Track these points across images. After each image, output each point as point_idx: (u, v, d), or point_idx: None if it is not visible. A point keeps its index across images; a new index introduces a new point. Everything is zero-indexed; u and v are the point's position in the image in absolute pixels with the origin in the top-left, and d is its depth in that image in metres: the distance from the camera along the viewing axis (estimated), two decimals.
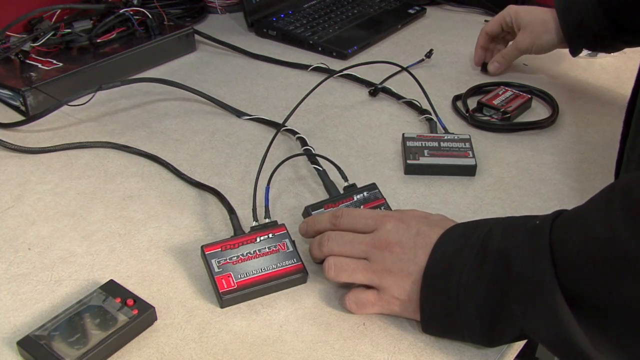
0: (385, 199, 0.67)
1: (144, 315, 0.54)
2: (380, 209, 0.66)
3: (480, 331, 0.51)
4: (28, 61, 0.92)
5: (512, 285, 0.48)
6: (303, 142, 0.79)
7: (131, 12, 1.00)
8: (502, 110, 0.86)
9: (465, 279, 0.50)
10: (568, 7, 0.88)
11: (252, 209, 0.66)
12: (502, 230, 0.51)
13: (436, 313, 0.52)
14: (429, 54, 1.05)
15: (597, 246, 0.44)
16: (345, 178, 0.70)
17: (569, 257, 0.46)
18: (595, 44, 0.89)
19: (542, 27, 0.92)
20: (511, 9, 0.96)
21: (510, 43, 0.98)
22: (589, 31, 0.87)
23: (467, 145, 0.77)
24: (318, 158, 0.74)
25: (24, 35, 0.94)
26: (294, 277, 0.59)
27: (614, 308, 0.44)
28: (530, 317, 0.47)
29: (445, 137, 0.79)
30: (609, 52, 0.93)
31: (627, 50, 0.94)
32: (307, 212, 0.65)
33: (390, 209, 0.66)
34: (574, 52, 0.92)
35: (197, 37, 1.08)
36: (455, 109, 0.90)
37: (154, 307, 0.55)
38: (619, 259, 0.43)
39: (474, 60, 1.02)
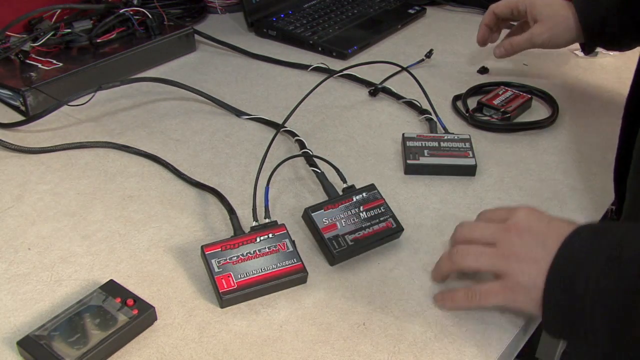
0: (384, 199, 0.67)
1: (144, 315, 0.54)
2: (380, 209, 0.66)
3: (610, 338, 0.48)
4: (28, 61, 0.92)
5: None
6: (302, 144, 0.79)
7: (131, 12, 1.00)
8: (502, 110, 0.86)
9: (594, 285, 0.48)
10: (589, 4, 0.84)
11: (252, 209, 0.66)
12: (637, 237, 0.49)
13: (560, 313, 0.50)
14: (429, 54, 1.05)
15: None
16: (343, 179, 0.70)
17: None
18: (613, 43, 0.86)
19: (563, 24, 0.86)
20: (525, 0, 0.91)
21: (525, 33, 0.90)
22: (609, 30, 0.83)
23: (467, 145, 0.77)
24: (317, 160, 0.74)
25: (24, 35, 0.94)
26: (294, 277, 0.59)
27: None
28: None
29: (445, 137, 0.79)
30: (623, 51, 0.89)
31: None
32: (307, 213, 0.65)
33: (390, 210, 0.66)
34: (588, 50, 0.89)
35: (197, 37, 1.08)
36: (455, 109, 0.90)
37: (154, 307, 0.55)
38: None
39: (477, 37, 0.97)
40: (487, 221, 0.59)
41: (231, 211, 0.67)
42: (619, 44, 0.86)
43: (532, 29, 0.89)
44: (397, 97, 0.92)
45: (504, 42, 0.93)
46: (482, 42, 0.98)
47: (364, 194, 0.67)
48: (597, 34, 0.85)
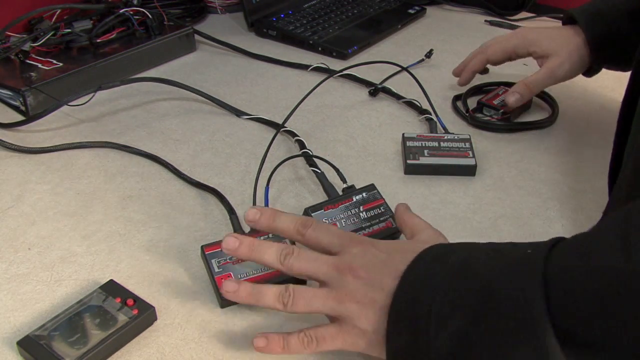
0: (384, 199, 0.67)
1: (144, 315, 0.54)
2: (380, 209, 0.66)
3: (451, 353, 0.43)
4: (28, 61, 0.92)
5: (495, 320, 0.40)
6: (302, 144, 0.79)
7: (131, 12, 1.00)
8: (502, 110, 0.86)
9: (438, 308, 0.43)
10: (596, 19, 0.79)
11: None
12: (485, 256, 0.44)
13: (402, 346, 0.45)
14: (429, 54, 1.05)
15: (612, 278, 0.37)
16: (343, 180, 0.70)
17: (569, 289, 0.38)
18: (619, 60, 0.80)
19: (577, 52, 0.80)
20: (526, 37, 0.83)
21: (542, 70, 0.82)
22: (619, 45, 0.77)
23: (467, 145, 0.78)
24: (317, 160, 0.74)
25: (24, 35, 0.94)
26: (293, 277, 0.59)
27: (620, 348, 0.37)
28: (515, 357, 0.40)
29: (445, 137, 0.79)
30: (626, 70, 0.77)
31: None
32: (307, 213, 0.65)
33: (390, 209, 0.66)
34: (594, 71, 0.83)
35: (197, 37, 1.08)
36: (455, 109, 0.90)
37: (154, 307, 0.55)
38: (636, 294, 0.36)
39: (460, 81, 0.90)
40: (317, 242, 0.53)
41: (231, 211, 0.67)
42: (626, 61, 0.79)
43: (549, 63, 0.81)
44: (397, 97, 0.92)
45: (519, 87, 0.83)
46: (463, 85, 0.91)
47: (364, 194, 0.67)
48: (605, 49, 0.79)
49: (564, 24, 0.84)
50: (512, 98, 0.83)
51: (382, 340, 0.46)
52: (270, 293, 0.50)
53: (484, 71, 1.01)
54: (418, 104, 0.89)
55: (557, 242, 0.42)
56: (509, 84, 0.94)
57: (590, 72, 0.83)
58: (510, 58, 0.86)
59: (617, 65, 0.82)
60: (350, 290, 0.48)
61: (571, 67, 0.80)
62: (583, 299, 0.38)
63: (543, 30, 0.83)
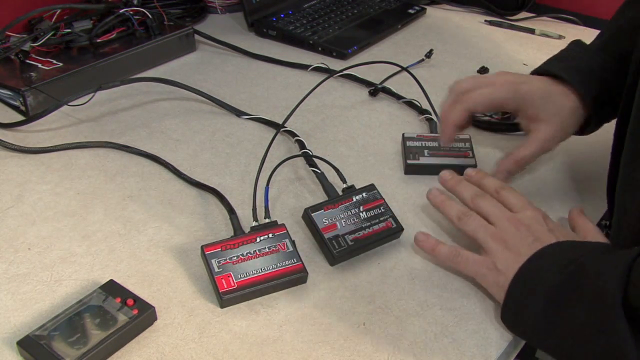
0: (384, 199, 0.67)
1: (144, 315, 0.54)
2: (380, 209, 0.66)
3: (545, 330, 0.53)
4: (28, 61, 0.92)
5: (579, 290, 0.51)
6: (302, 144, 0.79)
7: (131, 12, 1.00)
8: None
9: (552, 280, 0.53)
10: (586, 76, 0.70)
11: (252, 209, 0.66)
12: (596, 255, 0.53)
13: (514, 308, 0.55)
14: (429, 54, 1.05)
15: None
16: (343, 180, 0.70)
17: None
18: (615, 113, 0.67)
19: (571, 116, 0.70)
20: (518, 92, 0.70)
21: (531, 143, 0.70)
22: (610, 99, 0.69)
23: (467, 145, 0.77)
24: (317, 160, 0.74)
25: (24, 35, 0.94)
26: (294, 277, 0.59)
27: None
28: (587, 327, 0.49)
29: None
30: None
31: None
32: (307, 213, 0.65)
33: (390, 210, 0.66)
34: (589, 130, 0.73)
35: (197, 37, 1.08)
36: None
37: (154, 307, 0.55)
38: None
39: (442, 138, 0.73)
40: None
41: (231, 211, 0.67)
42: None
43: (538, 133, 0.70)
44: (397, 97, 0.92)
45: (506, 164, 0.71)
46: (449, 142, 0.74)
47: (364, 194, 0.67)
48: (599, 109, 0.70)
49: (541, 74, 0.73)
50: (500, 177, 0.71)
51: (506, 287, 0.56)
52: (454, 209, 0.64)
53: (484, 71, 1.01)
54: (418, 104, 0.89)
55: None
56: None
57: (586, 131, 0.73)
58: (495, 109, 0.76)
59: (614, 117, 0.70)
60: (507, 235, 0.59)
61: (563, 137, 0.71)
62: None
63: (536, 86, 0.70)
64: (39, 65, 0.91)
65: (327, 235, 0.63)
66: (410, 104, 0.91)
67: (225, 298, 0.56)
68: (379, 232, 0.64)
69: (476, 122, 0.86)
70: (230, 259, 0.59)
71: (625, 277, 0.48)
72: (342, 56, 1.06)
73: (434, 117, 0.85)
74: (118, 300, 0.55)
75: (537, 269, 0.55)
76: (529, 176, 0.76)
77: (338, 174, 0.70)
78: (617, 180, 0.60)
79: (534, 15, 1.24)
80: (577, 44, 0.77)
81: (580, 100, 0.69)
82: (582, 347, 0.50)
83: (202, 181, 0.73)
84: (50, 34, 0.94)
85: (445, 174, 0.68)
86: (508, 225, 0.60)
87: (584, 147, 0.82)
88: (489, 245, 0.59)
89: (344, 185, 0.69)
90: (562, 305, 0.52)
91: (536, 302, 0.53)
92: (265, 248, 0.60)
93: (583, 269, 0.52)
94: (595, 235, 0.62)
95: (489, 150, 0.81)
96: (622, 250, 0.52)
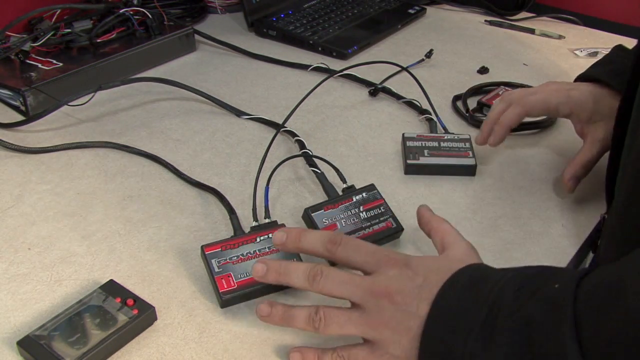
0: (384, 199, 0.67)
1: (144, 315, 0.54)
2: (380, 209, 0.66)
3: None
4: (28, 61, 0.92)
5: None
6: (302, 144, 0.79)
7: (131, 12, 1.00)
8: None
9: (472, 346, 0.43)
10: (612, 68, 0.72)
11: (252, 209, 0.66)
12: (516, 291, 0.44)
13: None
14: (429, 54, 1.05)
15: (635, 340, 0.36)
16: (343, 180, 0.70)
17: (599, 337, 0.38)
18: None
19: (613, 112, 0.68)
20: (570, 96, 0.72)
21: (592, 145, 0.72)
22: None
23: (467, 145, 0.78)
24: (317, 160, 0.74)
25: (24, 35, 0.94)
26: None
27: None
28: None
29: (445, 137, 0.79)
30: None
31: None
32: (307, 214, 0.65)
33: (390, 210, 0.66)
34: None
35: (197, 37, 1.08)
36: (455, 109, 0.90)
37: (154, 307, 0.55)
38: None
39: (491, 140, 0.75)
40: (349, 261, 0.51)
41: (231, 211, 0.67)
42: None
43: (597, 134, 0.71)
44: (397, 97, 0.92)
45: (573, 170, 0.72)
46: (484, 144, 0.77)
47: (364, 194, 0.67)
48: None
49: (585, 80, 0.75)
50: (570, 184, 0.72)
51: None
52: (301, 316, 0.50)
53: (484, 71, 1.01)
54: (418, 104, 0.89)
55: (583, 274, 0.42)
56: (509, 84, 0.94)
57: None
58: (548, 115, 0.77)
59: None
60: (385, 316, 0.47)
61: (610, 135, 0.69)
62: (615, 349, 0.37)
63: (583, 89, 0.73)
64: (39, 65, 0.91)
65: None
66: (410, 104, 0.91)
67: (225, 298, 0.56)
68: (378, 232, 0.64)
69: (476, 122, 0.86)
70: (230, 259, 0.59)
71: (575, 339, 0.39)
72: (342, 56, 1.06)
73: (434, 117, 0.85)
74: (118, 300, 0.55)
75: (445, 330, 0.45)
76: (530, 176, 0.76)
77: (338, 174, 0.71)
78: (616, 174, 0.60)
79: (534, 15, 1.24)
80: (618, 48, 0.78)
81: (615, 89, 0.70)
82: None
83: (202, 181, 0.73)
84: (50, 34, 0.94)
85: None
86: (376, 302, 0.48)
87: (580, 144, 0.82)
88: (369, 335, 0.48)
89: (344, 185, 0.69)
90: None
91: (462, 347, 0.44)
92: (265, 248, 0.60)
93: (525, 335, 0.41)
94: (458, 245, 0.53)
95: (489, 150, 0.81)
96: (540, 280, 0.44)
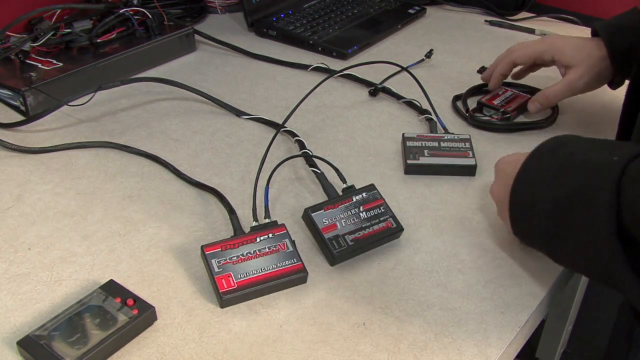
0: (384, 199, 0.67)
1: (144, 315, 0.54)
2: (380, 209, 0.66)
3: (545, 243, 0.56)
4: (28, 61, 0.92)
5: (573, 213, 0.51)
6: (302, 144, 0.79)
7: (131, 12, 1.00)
8: (502, 110, 0.87)
9: (543, 192, 0.54)
10: (616, 33, 0.80)
11: (252, 209, 0.66)
12: (585, 154, 0.54)
13: (519, 223, 0.59)
14: (429, 54, 1.05)
15: None
16: (343, 180, 0.70)
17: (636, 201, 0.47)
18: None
19: (598, 65, 0.81)
20: (554, 44, 0.84)
21: (561, 82, 0.84)
22: (637, 58, 0.74)
23: (467, 145, 0.77)
24: (317, 160, 0.74)
25: (24, 35, 0.94)
26: (294, 277, 0.59)
27: None
28: (581, 254, 0.51)
29: (445, 137, 0.79)
30: None
31: None
32: (307, 214, 0.65)
33: (390, 210, 0.66)
34: (616, 84, 0.84)
35: (197, 37, 1.08)
36: (455, 109, 0.90)
37: (154, 307, 0.55)
38: None
39: (491, 84, 0.91)
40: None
41: (231, 211, 0.67)
42: None
43: (568, 75, 0.83)
44: (397, 97, 0.92)
45: (538, 96, 0.86)
46: (494, 89, 0.92)
47: (364, 194, 0.67)
48: (626, 62, 0.79)
49: (592, 35, 0.84)
50: (532, 106, 0.86)
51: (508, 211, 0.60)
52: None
53: (484, 71, 1.01)
54: (418, 104, 0.89)
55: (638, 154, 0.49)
56: (509, 84, 0.94)
57: (613, 84, 0.84)
58: (535, 62, 0.87)
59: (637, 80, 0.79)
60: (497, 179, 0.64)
61: (590, 79, 0.82)
62: None
63: (570, 40, 0.84)
64: (39, 65, 0.91)
65: (327, 235, 0.63)
66: (410, 104, 0.91)
67: (225, 298, 0.56)
68: (379, 232, 0.64)
69: (476, 122, 0.86)
70: (230, 259, 0.59)
71: (616, 203, 0.48)
72: (342, 56, 1.06)
73: (433, 117, 0.85)
74: (118, 300, 0.55)
75: (529, 185, 0.57)
76: None
77: (338, 174, 0.70)
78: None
79: (534, 15, 1.24)
80: (634, 9, 0.83)
81: (609, 53, 0.80)
82: (584, 267, 0.53)
83: (202, 181, 0.73)
84: (50, 34, 0.94)
85: None
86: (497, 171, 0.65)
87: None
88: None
89: (344, 185, 0.69)
90: (559, 226, 0.53)
91: (538, 216, 0.55)
92: (265, 248, 0.60)
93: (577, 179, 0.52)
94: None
95: (489, 150, 0.81)
96: (603, 149, 0.54)
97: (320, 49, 1.08)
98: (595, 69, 0.81)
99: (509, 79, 0.97)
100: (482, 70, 1.01)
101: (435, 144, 0.78)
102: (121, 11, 0.99)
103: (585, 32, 1.18)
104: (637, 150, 0.50)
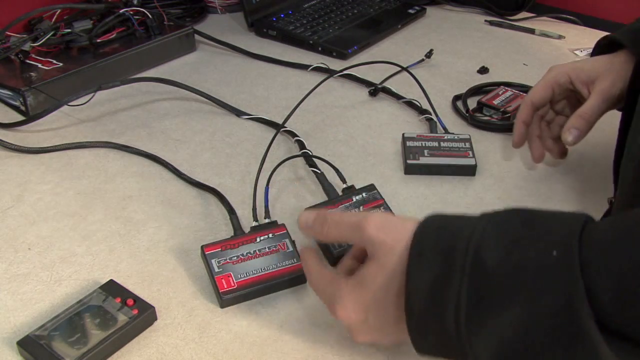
0: (384, 199, 0.67)
1: (144, 315, 0.54)
2: (380, 209, 0.66)
3: None
4: (28, 61, 0.92)
5: (542, 333, 0.38)
6: (302, 144, 0.79)
7: (131, 12, 1.00)
8: (502, 110, 0.87)
9: (465, 317, 0.40)
10: (637, 36, 0.68)
11: (252, 209, 0.66)
12: (501, 247, 0.40)
13: (435, 350, 0.44)
14: (429, 54, 1.05)
15: None
16: (343, 180, 0.70)
17: (616, 300, 0.36)
18: None
19: (623, 70, 0.68)
20: (563, 66, 0.72)
21: (592, 97, 0.69)
22: None
23: (467, 145, 0.78)
24: (317, 160, 0.74)
25: (24, 35, 0.94)
26: (294, 277, 0.59)
27: None
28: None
29: (445, 137, 0.79)
30: None
31: None
32: None
33: (390, 210, 0.66)
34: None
35: (197, 37, 1.08)
36: (455, 109, 0.90)
37: (154, 307, 0.55)
38: None
39: (514, 141, 0.74)
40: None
41: (231, 211, 0.67)
42: None
43: (597, 85, 0.69)
44: (397, 97, 0.92)
45: (572, 121, 0.69)
46: (521, 143, 0.75)
47: (364, 194, 0.67)
48: None
49: (596, 54, 0.75)
50: (570, 137, 0.68)
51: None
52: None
53: (484, 71, 1.01)
54: (418, 104, 0.89)
55: (581, 229, 0.38)
56: (509, 84, 0.94)
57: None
58: (554, 93, 0.73)
59: None
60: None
61: (622, 86, 0.67)
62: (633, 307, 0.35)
63: (582, 59, 0.74)
64: (39, 65, 0.91)
65: None
66: (410, 104, 0.90)
67: (225, 298, 0.56)
68: None
69: (476, 122, 0.86)
70: (230, 259, 0.59)
71: (589, 305, 0.36)
72: (342, 56, 1.06)
73: (433, 117, 0.85)
74: (118, 300, 0.55)
75: (430, 309, 0.42)
76: (530, 176, 0.76)
77: (338, 174, 0.70)
78: (622, 154, 0.60)
79: (534, 15, 1.24)
80: None
81: (632, 56, 0.68)
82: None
83: (202, 181, 0.73)
84: (50, 34, 0.94)
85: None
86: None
87: (585, 140, 0.82)
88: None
89: (344, 186, 0.69)
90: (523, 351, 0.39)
91: (464, 349, 0.41)
92: (265, 248, 0.60)
93: (527, 300, 0.38)
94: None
95: (489, 150, 0.81)
96: (528, 237, 0.40)
97: (320, 49, 1.08)
98: (622, 75, 0.68)
99: (509, 79, 0.97)
100: (482, 70, 1.01)
101: (435, 144, 0.78)
102: (121, 11, 0.99)
103: (585, 32, 1.18)
104: (573, 226, 0.39)
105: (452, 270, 0.41)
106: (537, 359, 0.38)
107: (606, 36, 0.73)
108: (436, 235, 0.43)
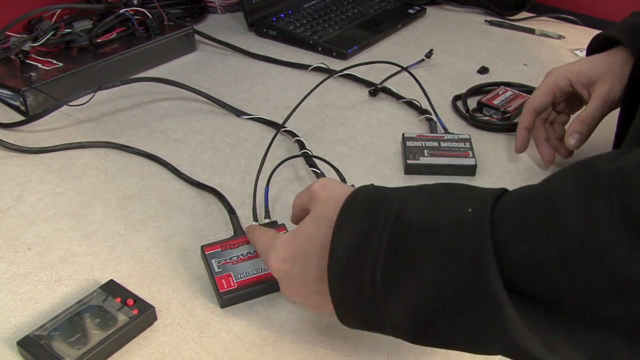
0: None
1: (144, 315, 0.54)
2: None
3: (410, 332, 0.42)
4: (28, 61, 0.92)
5: (450, 291, 0.37)
6: (302, 144, 0.79)
7: (131, 12, 1.00)
8: (502, 110, 0.87)
9: (381, 275, 0.40)
10: (634, 34, 0.70)
11: (252, 209, 0.66)
12: (423, 208, 0.40)
13: (353, 311, 0.44)
14: (429, 54, 1.05)
15: (573, 255, 0.34)
16: (343, 180, 0.70)
17: (523, 260, 0.35)
18: None
19: (623, 71, 0.69)
20: (561, 68, 0.74)
21: (592, 100, 0.71)
22: None
23: (467, 145, 0.78)
24: (317, 160, 0.74)
25: (24, 35, 0.94)
26: None
27: (578, 309, 0.35)
28: (477, 328, 0.37)
29: (445, 137, 0.79)
30: None
31: None
32: None
33: None
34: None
35: (197, 37, 1.08)
36: (455, 109, 0.90)
37: (154, 307, 0.55)
38: (607, 276, 0.33)
39: (517, 146, 0.76)
40: None
41: (231, 211, 0.67)
42: None
43: (598, 89, 0.70)
44: (397, 97, 0.92)
45: (574, 126, 0.71)
46: (524, 149, 0.77)
47: None
48: None
49: (594, 52, 0.76)
50: (573, 141, 0.71)
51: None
52: None
53: (484, 71, 1.01)
54: (418, 104, 0.89)
55: (498, 196, 0.39)
56: (509, 84, 0.94)
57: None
58: (555, 97, 0.74)
59: None
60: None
61: (621, 88, 0.69)
62: (539, 271, 0.35)
63: (580, 59, 0.74)
64: (39, 65, 0.91)
65: None
66: (410, 104, 0.91)
67: (225, 298, 0.56)
68: None
69: (476, 122, 0.86)
70: (230, 259, 0.59)
71: (496, 266, 0.36)
72: (342, 56, 1.06)
73: (433, 117, 0.85)
74: (118, 300, 0.55)
75: (350, 267, 0.42)
76: (530, 176, 0.76)
77: (338, 174, 0.70)
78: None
79: (534, 15, 1.24)
80: (634, 13, 0.76)
81: (631, 54, 0.69)
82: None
83: (202, 181, 0.73)
84: (50, 34, 0.94)
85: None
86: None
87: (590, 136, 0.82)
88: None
89: None
90: (432, 310, 0.39)
91: (380, 307, 0.41)
92: None
93: (436, 263, 0.38)
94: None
95: (489, 150, 0.81)
96: (445, 199, 0.41)
97: (320, 49, 1.08)
98: (621, 76, 0.69)
99: (509, 79, 0.97)
100: (482, 70, 1.01)
101: (435, 144, 0.78)
102: (121, 11, 0.99)
103: (585, 32, 1.18)
104: (494, 190, 0.40)
105: (373, 229, 0.41)
106: (446, 323, 0.38)
107: (601, 33, 0.74)
108: (366, 197, 0.44)
